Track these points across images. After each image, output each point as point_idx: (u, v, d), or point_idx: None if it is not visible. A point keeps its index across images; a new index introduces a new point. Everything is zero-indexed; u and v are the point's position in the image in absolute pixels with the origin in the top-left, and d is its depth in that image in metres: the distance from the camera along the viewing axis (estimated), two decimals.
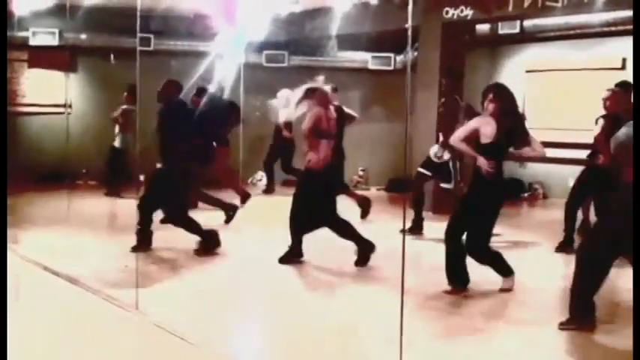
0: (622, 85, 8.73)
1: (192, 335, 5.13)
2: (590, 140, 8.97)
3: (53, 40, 13.75)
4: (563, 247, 8.60)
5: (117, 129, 12.61)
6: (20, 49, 13.82)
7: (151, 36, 13.22)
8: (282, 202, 8.41)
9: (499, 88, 6.63)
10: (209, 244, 8.06)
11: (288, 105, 8.35)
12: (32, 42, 13.75)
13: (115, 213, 11.28)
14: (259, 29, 11.70)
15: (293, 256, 7.67)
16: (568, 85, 13.13)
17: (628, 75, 11.06)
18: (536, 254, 8.72)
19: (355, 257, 7.61)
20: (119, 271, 6.97)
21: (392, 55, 14.39)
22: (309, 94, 7.60)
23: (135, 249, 7.81)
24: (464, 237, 6.50)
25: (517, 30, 12.35)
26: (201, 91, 9.65)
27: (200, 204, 9.98)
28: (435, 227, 10.08)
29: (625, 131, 5.42)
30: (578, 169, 13.04)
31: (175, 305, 6.08)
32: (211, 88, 9.68)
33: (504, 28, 12.47)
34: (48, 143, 13.62)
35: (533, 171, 13.37)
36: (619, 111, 8.19)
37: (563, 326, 5.57)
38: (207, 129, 8.70)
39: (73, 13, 11.68)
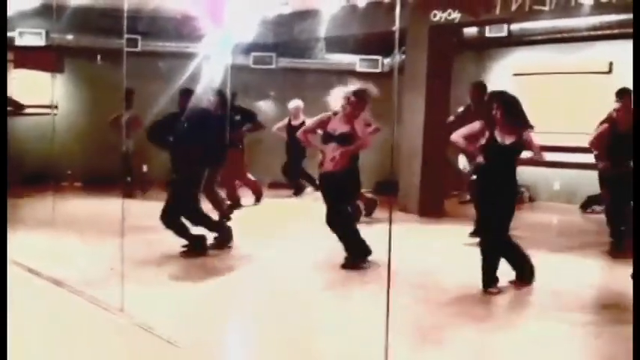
0: (622, 92, 8.83)
1: (177, 337, 5.11)
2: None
3: (40, 41, 13.67)
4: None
5: (124, 133, 12.47)
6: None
7: (139, 37, 13.17)
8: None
9: (504, 96, 6.80)
10: (196, 247, 8.06)
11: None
12: (19, 42, 13.67)
13: (100, 215, 11.21)
14: (247, 31, 11.67)
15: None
16: (555, 89, 13.17)
17: (614, 79, 11.14)
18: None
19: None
20: (105, 273, 6.92)
21: (380, 57, 14.39)
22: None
23: (185, 254, 8.01)
24: None
25: (504, 33, 12.39)
26: (185, 92, 9.63)
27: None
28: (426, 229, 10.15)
29: None
30: (564, 173, 13.20)
31: (161, 307, 6.06)
32: (221, 91, 9.68)
33: (492, 32, 12.51)
34: (34, 144, 13.53)
35: (519, 174, 13.39)
36: (626, 120, 8.32)
37: None
38: (216, 133, 8.75)
39: (59, 14, 11.60)
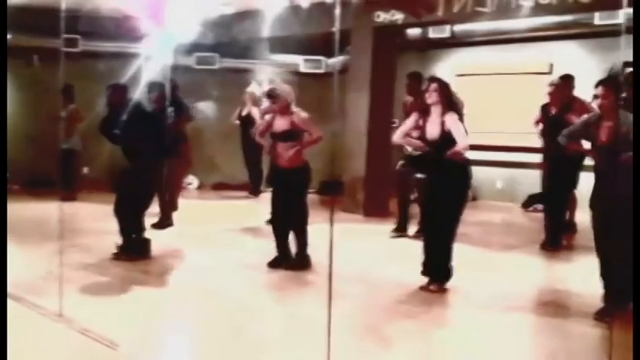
0: (564, 77, 9.04)
1: (117, 342, 5.03)
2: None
3: None
4: None
5: (63, 131, 12.26)
6: None
7: (78, 37, 12.96)
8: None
9: (441, 80, 6.83)
10: (132, 251, 7.91)
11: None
12: None
13: (39, 218, 11.01)
14: (189, 31, 11.57)
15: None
16: (497, 89, 13.32)
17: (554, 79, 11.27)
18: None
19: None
20: (43, 278, 6.78)
21: (323, 58, 14.39)
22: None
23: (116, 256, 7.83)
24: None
25: (447, 34, 12.48)
26: (157, 86, 9.51)
27: None
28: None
29: None
30: (506, 172, 13.37)
31: (100, 312, 5.95)
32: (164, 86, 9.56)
33: (435, 32, 12.60)
34: None
35: None
36: (561, 101, 8.51)
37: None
38: (170, 126, 8.72)
39: None
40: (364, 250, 8.80)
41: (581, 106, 8.49)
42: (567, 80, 9.14)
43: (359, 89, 11.68)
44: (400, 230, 9.51)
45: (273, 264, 7.60)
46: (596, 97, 5.98)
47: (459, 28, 12.34)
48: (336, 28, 5.75)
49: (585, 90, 9.53)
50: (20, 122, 13.93)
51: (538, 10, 9.81)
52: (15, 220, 10.10)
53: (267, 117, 7.89)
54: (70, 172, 12.17)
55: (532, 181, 9.78)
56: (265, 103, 8.14)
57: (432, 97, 6.61)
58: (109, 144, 8.27)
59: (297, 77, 13.68)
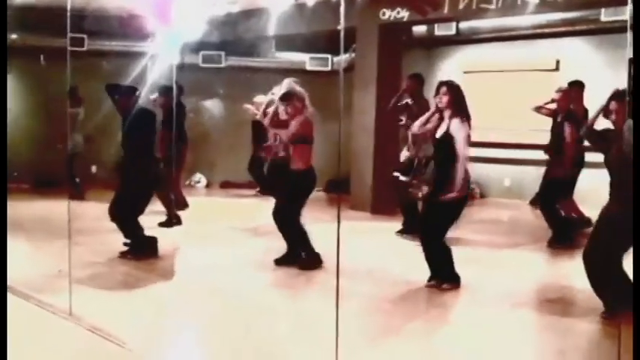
0: (574, 84, 9.01)
1: (127, 340, 5.04)
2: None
3: None
4: None
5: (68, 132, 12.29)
6: None
7: (84, 36, 12.98)
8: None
9: (452, 83, 6.76)
10: (139, 249, 7.93)
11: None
12: None
13: (48, 217, 11.04)
14: (195, 30, 11.57)
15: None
16: (504, 86, 13.30)
17: (561, 76, 11.28)
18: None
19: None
20: (52, 277, 6.80)
21: (329, 56, 14.39)
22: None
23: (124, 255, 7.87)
24: None
25: (453, 32, 12.47)
26: (164, 90, 9.55)
27: None
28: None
29: None
30: (514, 169, 13.35)
31: (110, 310, 5.97)
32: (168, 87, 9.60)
33: (440, 30, 12.58)
34: None
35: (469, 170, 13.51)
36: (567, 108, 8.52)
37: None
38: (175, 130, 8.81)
39: None
40: (372, 248, 8.80)
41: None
42: (575, 87, 9.10)
43: (365, 87, 11.68)
44: (407, 231, 9.47)
45: (280, 261, 7.61)
46: (609, 112, 5.92)
47: (464, 25, 12.33)
48: (341, 25, 5.75)
49: (593, 86, 9.57)
50: (28, 122, 13.97)
51: (544, 6, 9.79)
52: (24, 219, 10.18)
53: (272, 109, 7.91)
54: (74, 172, 12.18)
55: (540, 178, 9.77)
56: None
57: (442, 101, 6.61)
58: (116, 142, 8.28)
59: (303, 75, 13.67)
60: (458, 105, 6.58)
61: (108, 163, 12.11)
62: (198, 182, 14.80)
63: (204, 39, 12.56)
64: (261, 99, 9.39)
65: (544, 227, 9.22)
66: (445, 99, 6.57)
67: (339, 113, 7.36)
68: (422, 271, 6.85)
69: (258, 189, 13.46)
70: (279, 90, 8.06)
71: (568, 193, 9.16)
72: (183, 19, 10.10)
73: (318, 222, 7.66)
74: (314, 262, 7.52)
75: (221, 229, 9.95)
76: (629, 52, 4.95)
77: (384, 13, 11.37)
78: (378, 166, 11.58)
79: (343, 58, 12.19)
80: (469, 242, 9.02)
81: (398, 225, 9.62)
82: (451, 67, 14.25)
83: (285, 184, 7.64)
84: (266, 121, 8.15)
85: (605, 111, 5.97)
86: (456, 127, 6.50)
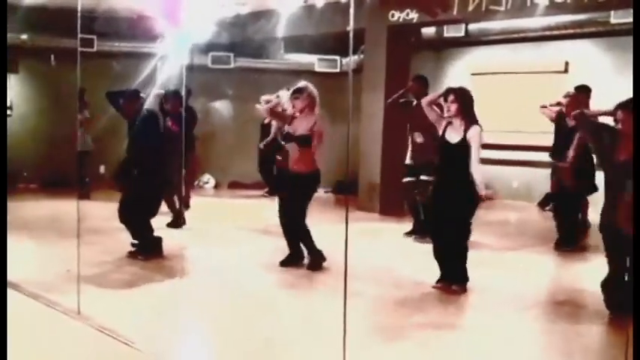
0: (581, 88, 8.98)
1: (135, 340, 5.06)
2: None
3: None
4: None
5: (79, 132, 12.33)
6: None
7: (94, 37, 13.03)
8: None
9: (461, 90, 6.75)
10: (147, 249, 7.95)
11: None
12: None
13: (57, 217, 11.09)
14: (204, 31, 11.61)
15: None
16: (512, 88, 13.29)
17: (570, 78, 11.28)
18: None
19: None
20: (61, 276, 6.83)
21: (338, 57, 14.40)
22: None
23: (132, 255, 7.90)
24: None
25: (462, 33, 12.47)
26: (175, 94, 9.59)
27: None
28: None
29: None
30: (522, 171, 13.34)
31: (118, 309, 5.99)
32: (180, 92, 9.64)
33: (449, 32, 12.58)
34: None
35: None
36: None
37: None
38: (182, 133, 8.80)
39: (13, 13, 11.43)
40: (379, 249, 8.80)
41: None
42: (582, 92, 9.09)
43: (374, 88, 11.69)
44: (416, 232, 9.45)
45: (285, 262, 7.62)
46: (616, 121, 5.92)
47: (473, 26, 12.33)
48: (350, 27, 5.76)
49: (602, 88, 9.55)
50: (37, 122, 14.03)
51: (553, 8, 9.78)
52: (32, 219, 10.23)
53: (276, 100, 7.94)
54: (82, 172, 12.21)
55: (548, 180, 9.76)
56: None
57: (450, 110, 6.61)
58: (124, 144, 8.30)
59: (312, 77, 13.69)
60: (467, 111, 6.58)
61: (115, 164, 12.16)
62: (207, 183, 14.84)
63: (213, 40, 12.61)
64: (267, 98, 9.43)
65: (552, 229, 9.21)
66: (454, 107, 6.58)
67: (348, 114, 7.38)
68: (429, 273, 6.85)
69: (266, 190, 13.48)
70: (284, 92, 8.06)
71: (578, 198, 9.12)
72: (193, 20, 10.14)
73: (326, 223, 7.68)
74: (319, 261, 7.55)
75: (229, 229, 9.97)
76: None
77: (393, 15, 11.37)
78: (386, 167, 11.58)
79: (352, 60, 12.20)
80: (476, 244, 8.97)
81: (406, 226, 9.62)
82: (460, 68, 14.25)
83: (290, 186, 7.62)
84: (267, 110, 8.17)
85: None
86: (473, 134, 6.54)
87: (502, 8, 10.09)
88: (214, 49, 14.03)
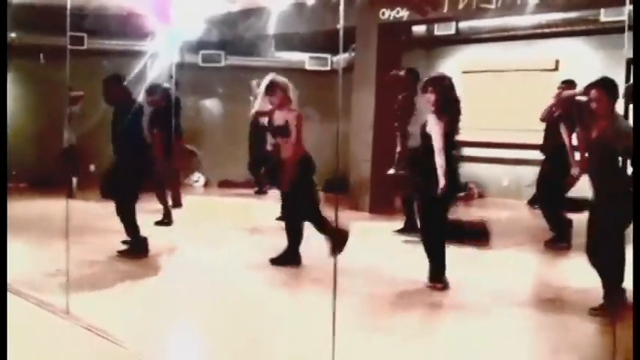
0: (567, 82, 9.01)
1: (124, 339, 5.05)
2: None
3: None
4: None
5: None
6: None
7: (84, 35, 12.98)
8: None
9: (436, 80, 6.81)
10: (136, 248, 7.93)
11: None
12: None
13: (46, 216, 11.05)
14: (195, 29, 11.59)
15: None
16: (503, 86, 13.31)
17: (561, 76, 11.27)
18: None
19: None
20: (50, 276, 6.81)
21: (328, 55, 14.40)
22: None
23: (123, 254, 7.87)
24: None
25: (453, 31, 12.48)
26: (155, 88, 9.59)
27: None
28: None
29: None
30: (512, 169, 13.36)
31: (107, 309, 5.97)
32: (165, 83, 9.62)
33: (440, 30, 12.59)
34: None
35: (468, 170, 13.52)
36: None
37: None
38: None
39: None
40: (369, 248, 8.80)
41: None
42: (569, 86, 9.11)
43: (364, 86, 11.68)
44: (407, 230, 9.43)
45: (277, 261, 7.61)
46: (589, 101, 6.01)
47: (464, 25, 12.34)
48: (340, 25, 5.75)
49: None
50: (26, 121, 13.97)
51: (543, 6, 9.79)
52: (21, 218, 10.17)
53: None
54: (67, 169, 12.16)
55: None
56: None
57: (430, 101, 6.62)
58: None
59: (302, 75, 13.68)
60: (442, 103, 6.58)
61: (108, 161, 12.15)
62: (197, 181, 14.81)
63: (203, 38, 12.59)
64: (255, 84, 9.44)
65: (542, 227, 9.23)
66: (432, 98, 6.59)
67: (338, 113, 7.38)
68: (420, 271, 6.85)
69: (256, 189, 13.46)
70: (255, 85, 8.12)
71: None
72: (183, 18, 10.13)
73: None
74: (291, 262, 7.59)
75: (218, 228, 9.95)
76: (627, 52, 4.96)
77: (383, 13, 11.37)
78: (377, 166, 11.57)
79: (342, 58, 12.20)
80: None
81: (396, 225, 9.62)
82: (451, 67, 14.23)
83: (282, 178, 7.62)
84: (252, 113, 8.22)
85: (587, 100, 6.11)
86: (431, 124, 6.58)
87: (492, 6, 10.10)
88: (205, 47, 14.01)
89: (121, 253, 7.89)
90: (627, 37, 4.81)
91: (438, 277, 6.75)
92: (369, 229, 10.10)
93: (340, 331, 4.49)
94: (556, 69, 12.73)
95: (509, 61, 13.38)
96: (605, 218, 5.78)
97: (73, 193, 11.64)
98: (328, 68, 14.37)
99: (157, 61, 11.07)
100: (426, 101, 6.69)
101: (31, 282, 6.60)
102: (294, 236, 7.62)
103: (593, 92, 5.96)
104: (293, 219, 7.63)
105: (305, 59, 14.47)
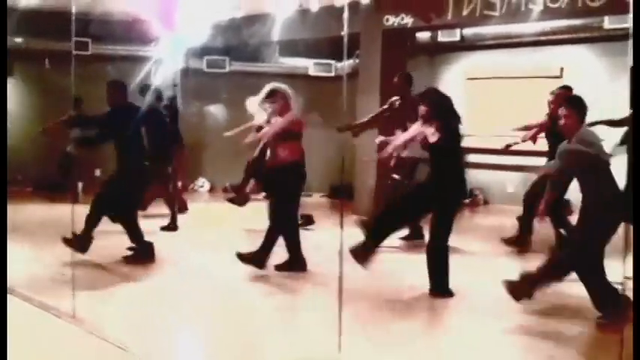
0: (564, 88, 9.00)
1: (129, 343, 5.06)
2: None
3: None
4: None
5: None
6: None
7: (89, 40, 13.01)
8: None
9: (428, 93, 6.92)
10: (142, 254, 7.94)
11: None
12: None
13: (51, 220, 11.06)
14: (199, 35, 11.62)
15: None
16: (507, 93, 13.30)
17: (565, 83, 11.27)
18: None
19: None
20: (55, 279, 6.82)
21: (332, 61, 14.42)
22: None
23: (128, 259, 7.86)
24: None
25: (457, 38, 12.50)
26: (145, 88, 9.62)
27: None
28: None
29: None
30: (517, 176, 13.34)
31: (113, 313, 5.99)
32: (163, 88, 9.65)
33: (444, 36, 12.61)
34: None
35: (473, 177, 13.52)
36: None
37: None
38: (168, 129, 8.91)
39: (7, 16, 11.40)
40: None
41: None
42: (565, 91, 9.10)
43: (368, 93, 11.69)
44: (412, 237, 9.41)
45: (281, 267, 7.61)
46: (558, 118, 6.16)
47: (468, 31, 12.36)
48: (345, 31, 5.78)
49: (596, 94, 9.56)
50: (31, 125, 13.98)
51: (547, 13, 9.80)
52: (26, 222, 10.21)
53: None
54: (66, 173, 12.19)
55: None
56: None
57: (420, 112, 6.72)
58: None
59: (306, 81, 13.71)
60: (432, 114, 6.67)
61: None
62: (202, 187, 14.83)
63: (208, 44, 12.61)
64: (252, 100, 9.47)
65: (547, 234, 9.21)
66: (422, 110, 6.72)
67: (343, 118, 7.40)
68: (424, 278, 6.85)
69: (231, 196, 13.50)
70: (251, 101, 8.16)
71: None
72: (188, 24, 10.15)
73: (321, 227, 7.67)
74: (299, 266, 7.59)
75: (223, 233, 9.95)
76: (631, 60, 4.97)
77: (387, 20, 11.39)
78: (381, 172, 11.57)
79: (347, 64, 12.18)
80: (472, 249, 9.04)
81: (403, 231, 9.60)
82: (455, 73, 14.26)
83: (275, 182, 7.63)
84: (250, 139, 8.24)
85: (554, 113, 6.28)
86: (423, 127, 6.70)
87: (497, 13, 10.12)
88: (209, 53, 14.04)
89: (127, 259, 7.90)
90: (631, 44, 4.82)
91: (441, 286, 6.75)
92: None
93: (345, 334, 4.50)
94: (560, 76, 12.73)
95: (514, 68, 13.38)
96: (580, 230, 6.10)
97: (79, 198, 11.63)
98: (332, 74, 14.40)
99: (161, 67, 11.09)
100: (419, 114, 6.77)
101: (36, 286, 6.61)
102: (292, 242, 7.63)
103: (561, 110, 6.11)
104: (282, 226, 7.62)
105: (309, 65, 14.50)
